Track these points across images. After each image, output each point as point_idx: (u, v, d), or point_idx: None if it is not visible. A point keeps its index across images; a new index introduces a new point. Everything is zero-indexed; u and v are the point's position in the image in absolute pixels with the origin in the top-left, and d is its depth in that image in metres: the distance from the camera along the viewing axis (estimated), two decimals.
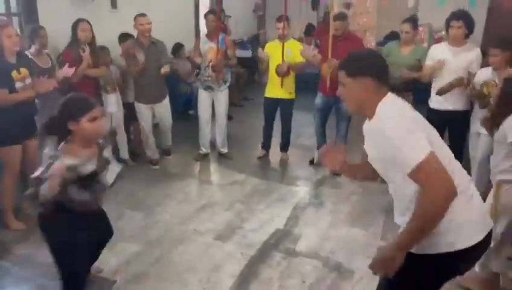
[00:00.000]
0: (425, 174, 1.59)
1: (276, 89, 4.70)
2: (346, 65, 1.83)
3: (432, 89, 4.00)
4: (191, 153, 5.07)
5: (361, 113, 1.87)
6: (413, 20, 4.32)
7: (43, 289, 2.80)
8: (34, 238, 3.32)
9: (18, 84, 3.24)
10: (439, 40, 5.63)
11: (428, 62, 3.95)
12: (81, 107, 2.12)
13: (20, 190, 3.64)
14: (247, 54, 8.16)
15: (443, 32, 4.19)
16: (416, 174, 1.61)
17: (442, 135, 4.08)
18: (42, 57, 3.74)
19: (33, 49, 3.70)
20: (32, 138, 3.47)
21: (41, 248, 3.14)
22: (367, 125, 1.89)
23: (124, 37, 4.65)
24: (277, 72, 4.56)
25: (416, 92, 4.30)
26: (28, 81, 3.32)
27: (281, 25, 4.46)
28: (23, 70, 3.30)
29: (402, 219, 1.83)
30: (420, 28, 6.93)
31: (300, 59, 4.54)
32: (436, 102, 3.96)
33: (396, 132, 1.66)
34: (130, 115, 4.69)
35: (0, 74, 3.14)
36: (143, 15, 4.28)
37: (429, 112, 4.02)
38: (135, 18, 4.28)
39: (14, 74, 3.22)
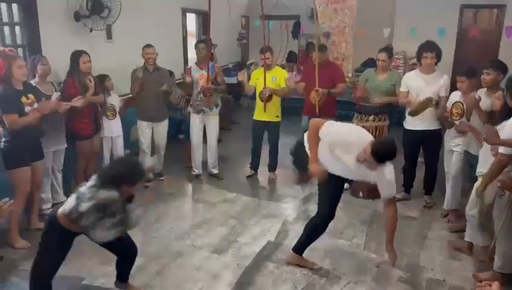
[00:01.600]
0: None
1: (263, 112, 5.03)
2: None
3: (406, 113, 4.35)
4: (182, 175, 5.34)
5: None
6: (388, 50, 4.73)
7: None
8: None
9: (27, 109, 3.50)
10: (413, 67, 6.07)
11: (403, 89, 4.31)
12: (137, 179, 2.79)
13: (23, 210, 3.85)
14: (233, 80, 8.48)
15: (415, 60, 4.61)
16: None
17: (418, 152, 4.44)
18: (45, 84, 3.98)
19: (37, 78, 3.94)
20: (39, 159, 3.70)
21: None
22: None
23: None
24: (260, 98, 4.92)
25: (392, 114, 4.66)
26: (36, 105, 3.58)
27: (263, 56, 4.91)
28: (31, 96, 3.57)
29: None
30: (396, 56, 7.45)
31: (284, 85, 4.93)
32: (410, 123, 4.30)
33: None
34: None
35: (11, 100, 3.40)
36: (149, 46, 4.80)
37: (405, 132, 4.38)
38: (143, 48, 4.80)
39: (23, 99, 3.49)
